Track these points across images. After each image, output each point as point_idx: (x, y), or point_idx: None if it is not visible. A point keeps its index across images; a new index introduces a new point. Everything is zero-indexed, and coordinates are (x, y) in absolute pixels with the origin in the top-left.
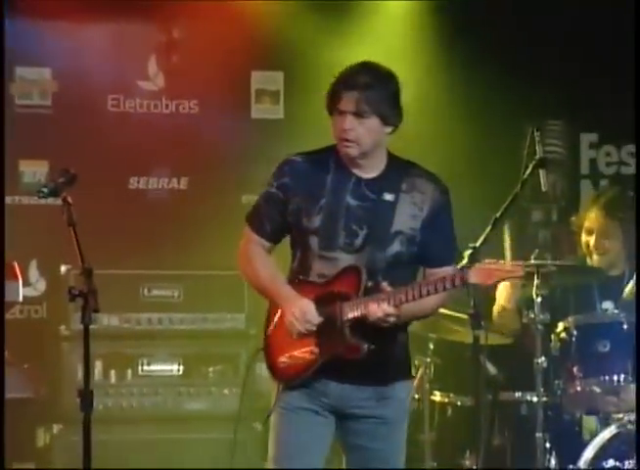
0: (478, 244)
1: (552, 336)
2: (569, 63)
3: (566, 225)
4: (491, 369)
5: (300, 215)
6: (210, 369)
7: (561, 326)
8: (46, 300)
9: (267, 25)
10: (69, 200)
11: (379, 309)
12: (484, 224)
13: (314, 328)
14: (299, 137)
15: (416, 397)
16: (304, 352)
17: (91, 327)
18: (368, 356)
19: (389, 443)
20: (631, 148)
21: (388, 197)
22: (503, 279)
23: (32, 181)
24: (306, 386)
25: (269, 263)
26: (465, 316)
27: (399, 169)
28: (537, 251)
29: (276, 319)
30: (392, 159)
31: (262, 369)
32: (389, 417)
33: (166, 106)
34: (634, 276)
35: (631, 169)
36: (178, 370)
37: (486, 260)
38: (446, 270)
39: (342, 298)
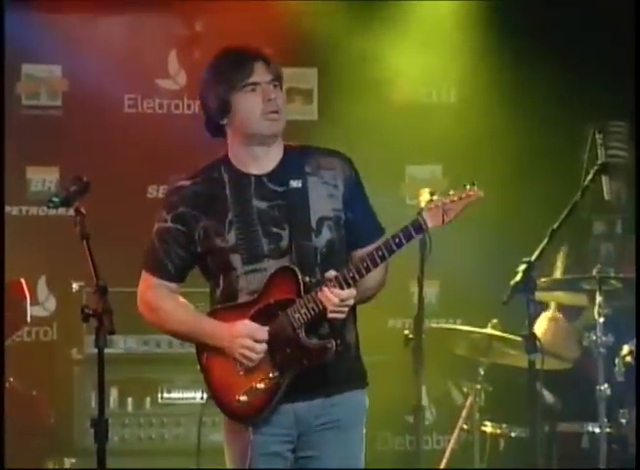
0: (533, 258)
1: (616, 360)
2: (632, 60)
3: (631, 239)
4: (549, 397)
5: (211, 238)
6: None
7: (626, 349)
8: (56, 320)
9: (299, 17)
10: (82, 210)
11: (332, 296)
12: (538, 236)
13: (265, 347)
14: (335, 140)
15: (465, 427)
16: (262, 381)
17: (106, 350)
18: (324, 364)
19: (343, 448)
20: None
21: (295, 183)
22: (463, 208)
23: (41, 190)
24: (271, 423)
25: (181, 304)
26: (519, 338)
27: (295, 154)
28: (599, 266)
29: (205, 361)
30: (286, 146)
31: None
32: (342, 420)
33: (188, 106)
34: None
35: None
36: (202, 398)
37: (433, 197)
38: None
39: (283, 305)
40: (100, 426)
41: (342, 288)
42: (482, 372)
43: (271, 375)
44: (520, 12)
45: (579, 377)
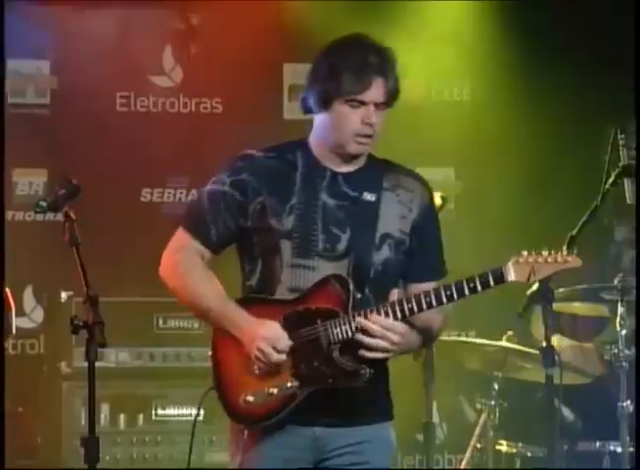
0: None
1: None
2: None
3: None
4: (567, 414)
5: (266, 216)
6: None
7: None
8: (43, 332)
9: (302, 10)
10: (72, 215)
11: (378, 326)
12: (556, 242)
13: (284, 358)
14: None
15: (478, 446)
16: (277, 387)
17: (97, 364)
18: (352, 389)
19: None
20: None
21: (369, 196)
22: (555, 273)
23: (28, 193)
24: (283, 445)
25: (212, 278)
26: (535, 351)
27: (378, 165)
28: (621, 275)
29: (219, 349)
30: (370, 155)
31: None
32: (373, 462)
33: (185, 104)
34: None
35: None
36: (199, 415)
37: (524, 252)
38: (429, 286)
39: (324, 315)
40: (90, 445)
41: (395, 316)
42: (497, 387)
43: (289, 384)
44: (534, 10)
45: (600, 393)
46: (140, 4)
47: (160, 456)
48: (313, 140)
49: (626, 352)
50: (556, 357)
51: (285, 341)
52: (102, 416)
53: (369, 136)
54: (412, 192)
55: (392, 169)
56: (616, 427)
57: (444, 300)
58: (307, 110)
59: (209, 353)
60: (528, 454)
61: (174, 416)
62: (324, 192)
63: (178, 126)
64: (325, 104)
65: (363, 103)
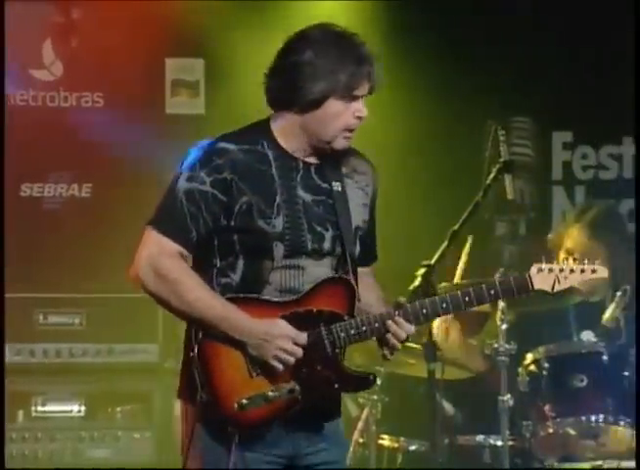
0: (433, 261)
1: (519, 369)
2: (538, 56)
3: (535, 240)
4: (449, 408)
5: (253, 217)
6: (118, 409)
7: (530, 358)
8: None
9: (185, 5)
10: None
11: (400, 330)
12: (439, 238)
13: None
14: None
15: (361, 441)
16: (276, 391)
17: None
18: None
19: None
20: (611, 149)
21: (337, 186)
22: (581, 284)
23: None
24: (267, 443)
25: (204, 284)
26: (418, 346)
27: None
28: (502, 269)
29: (211, 353)
30: None
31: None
32: (340, 460)
33: (65, 99)
34: (616, 300)
35: (612, 174)
36: (79, 411)
37: (542, 260)
38: (370, 271)
39: (327, 318)
40: None
41: (408, 321)
42: (379, 382)
43: (293, 388)
44: (414, 9)
45: (481, 387)
46: None
47: (41, 453)
48: (280, 130)
49: (506, 346)
50: (437, 352)
51: (302, 336)
52: None
53: (352, 130)
54: (366, 175)
55: (343, 153)
56: (495, 421)
57: (463, 306)
58: (281, 106)
59: (191, 355)
60: (410, 448)
61: (54, 413)
62: (299, 187)
63: (58, 121)
64: (317, 102)
65: (355, 97)
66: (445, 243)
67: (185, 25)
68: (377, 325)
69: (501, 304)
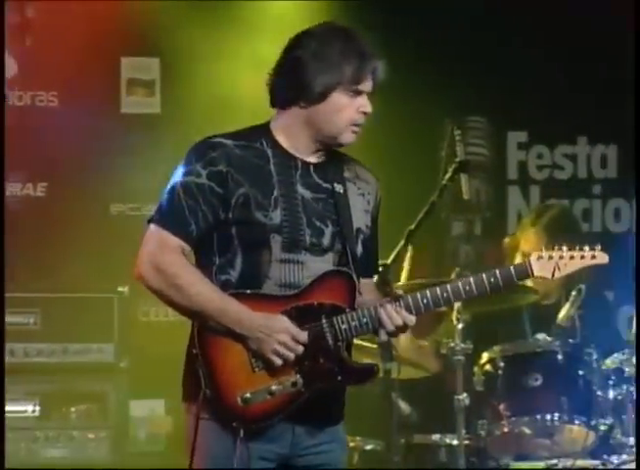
0: (389, 261)
1: (475, 369)
2: (493, 55)
3: (491, 240)
4: (405, 408)
5: (250, 209)
6: (73, 409)
7: (485, 357)
8: None
9: (140, 4)
10: None
11: (399, 317)
12: (395, 238)
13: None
14: (180, 135)
15: None
16: (279, 385)
17: None
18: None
19: None
20: (566, 149)
21: (338, 187)
22: (582, 269)
23: None
24: (267, 437)
25: (203, 277)
26: (373, 346)
27: (335, 155)
28: (458, 269)
29: (212, 348)
30: None
31: (136, 409)
32: (339, 462)
33: (19, 97)
34: (571, 299)
35: (566, 174)
36: (34, 411)
37: (543, 248)
38: (371, 282)
39: (328, 311)
40: None
41: (409, 311)
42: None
43: (296, 381)
44: (375, 10)
45: (437, 387)
46: None
47: None
48: (280, 129)
49: (462, 345)
50: (393, 352)
51: (302, 333)
52: None
53: (359, 125)
54: (369, 184)
55: (347, 160)
56: (451, 420)
57: (463, 295)
58: (286, 103)
59: (194, 352)
60: (366, 448)
61: (9, 413)
62: (299, 184)
63: (12, 119)
64: (322, 95)
65: (360, 93)
66: (402, 242)
67: (141, 24)
68: (378, 316)
69: (457, 303)
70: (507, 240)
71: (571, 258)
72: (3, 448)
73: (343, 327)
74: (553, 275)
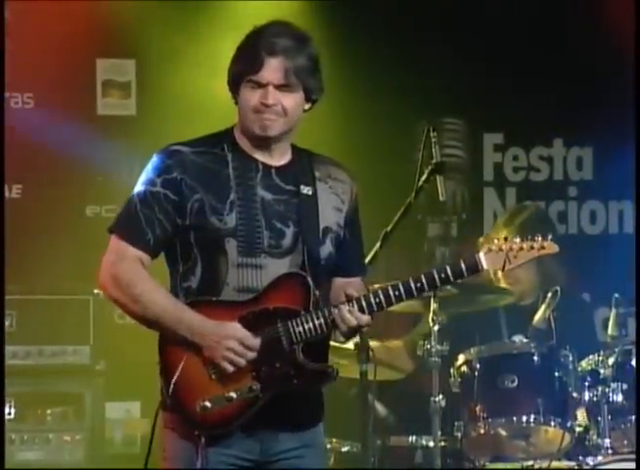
0: (365, 262)
1: (451, 370)
2: (469, 57)
3: (467, 241)
4: (381, 409)
5: (205, 215)
6: (49, 412)
7: (462, 359)
8: None
9: (115, 5)
10: None
11: (352, 318)
12: (370, 239)
13: (254, 356)
14: (155, 137)
15: None
16: (237, 391)
17: None
18: (300, 392)
19: None
20: (542, 151)
21: (306, 190)
22: (532, 260)
23: None
24: (231, 445)
25: (159, 286)
26: (350, 347)
27: (305, 156)
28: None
29: (170, 355)
30: (294, 146)
31: (112, 411)
32: (315, 466)
33: None
34: (547, 301)
35: (542, 176)
36: (9, 413)
37: (495, 240)
38: (357, 282)
39: (283, 314)
40: None
41: (362, 311)
42: None
43: (253, 387)
44: (352, 10)
45: (413, 388)
46: None
47: None
48: (237, 132)
49: (438, 347)
50: (370, 354)
51: (252, 339)
52: None
53: (269, 117)
54: (343, 183)
55: (319, 160)
56: (427, 422)
57: (415, 293)
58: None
59: (156, 361)
60: (342, 450)
61: None
62: (259, 186)
63: None
64: (234, 88)
65: (260, 84)
66: (378, 244)
67: (116, 26)
68: (331, 317)
69: (433, 305)
70: (481, 240)
71: (521, 249)
72: (3, 449)
73: (298, 330)
74: (504, 267)
